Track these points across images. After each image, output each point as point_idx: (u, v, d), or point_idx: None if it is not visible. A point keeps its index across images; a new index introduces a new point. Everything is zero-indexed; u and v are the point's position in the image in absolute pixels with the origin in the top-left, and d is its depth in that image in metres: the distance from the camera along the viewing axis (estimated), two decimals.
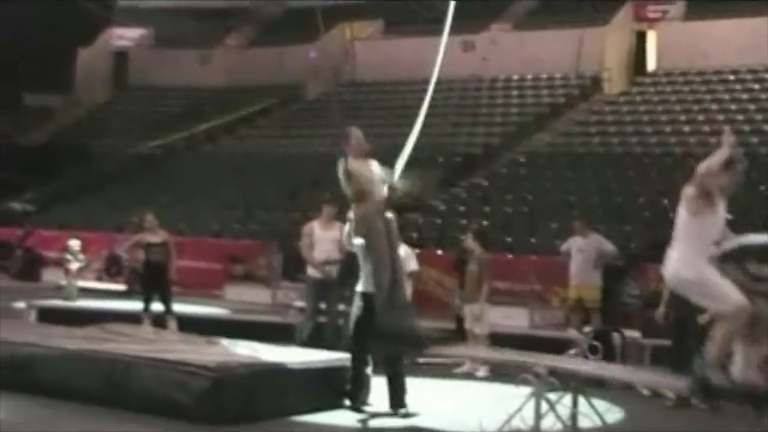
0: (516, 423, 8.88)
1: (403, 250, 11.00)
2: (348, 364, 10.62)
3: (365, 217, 10.06)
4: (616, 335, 13.60)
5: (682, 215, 7.51)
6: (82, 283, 21.72)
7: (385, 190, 10.32)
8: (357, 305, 10.37)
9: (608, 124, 28.52)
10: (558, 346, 13.21)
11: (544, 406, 8.87)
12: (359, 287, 10.36)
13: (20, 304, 18.02)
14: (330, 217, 13.50)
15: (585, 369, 9.46)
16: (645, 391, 12.20)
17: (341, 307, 13.20)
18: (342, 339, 12.86)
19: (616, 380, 10.07)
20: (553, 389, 9.03)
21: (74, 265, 20.84)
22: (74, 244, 21.06)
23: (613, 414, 9.27)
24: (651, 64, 31.71)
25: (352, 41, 33.64)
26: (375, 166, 10.44)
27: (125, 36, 40.89)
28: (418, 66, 33.54)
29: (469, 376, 13.32)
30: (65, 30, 36.98)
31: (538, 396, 8.80)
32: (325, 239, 13.26)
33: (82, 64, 39.94)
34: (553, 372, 8.91)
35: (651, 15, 32.11)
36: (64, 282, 21.31)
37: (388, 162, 10.52)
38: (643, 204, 22.94)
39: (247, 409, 9.63)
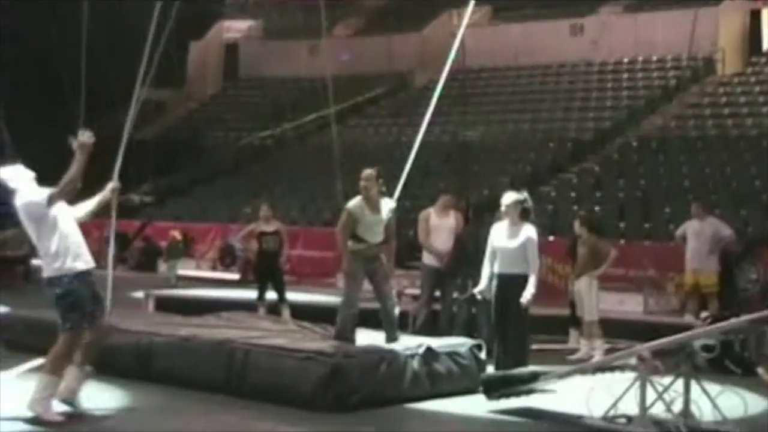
0: (629, 407, 8.80)
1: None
2: (463, 349, 10.70)
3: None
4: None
5: None
6: (195, 273, 22.72)
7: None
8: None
9: (722, 106, 27.98)
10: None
11: (653, 392, 8.77)
12: (496, 269, 10.89)
13: (138, 294, 18.39)
14: (446, 206, 13.57)
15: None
16: (767, 378, 11.96)
17: (455, 294, 13.23)
18: (456, 326, 12.92)
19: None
20: (658, 373, 8.91)
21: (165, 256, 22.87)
22: (175, 234, 22.61)
23: (726, 400, 9.07)
24: (766, 44, 30.99)
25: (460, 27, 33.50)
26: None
27: (235, 28, 41.38)
28: (526, 51, 33.51)
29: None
30: (177, 24, 37.53)
31: (642, 380, 8.71)
32: (441, 228, 13.35)
33: (194, 58, 40.56)
34: (658, 354, 8.83)
35: None
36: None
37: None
38: (760, 187, 22.47)
39: (365, 396, 9.68)
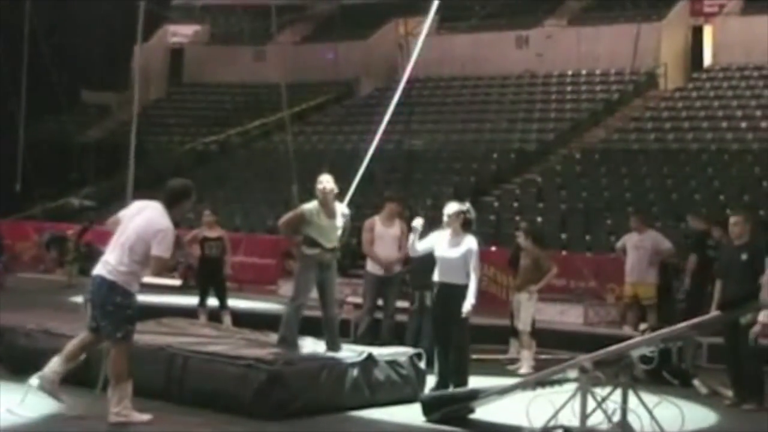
0: (568, 418, 8.84)
1: None
2: (403, 358, 10.74)
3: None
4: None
5: None
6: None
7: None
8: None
9: (664, 120, 28.31)
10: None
11: (592, 402, 8.82)
12: (436, 278, 10.88)
13: (78, 299, 18.19)
14: (392, 214, 13.51)
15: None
16: (703, 390, 12.12)
17: (407, 304, 13.27)
18: (407, 335, 12.95)
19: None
20: (599, 384, 8.97)
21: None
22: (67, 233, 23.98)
23: (664, 411, 9.16)
24: (707, 60, 31.44)
25: (406, 37, 33.61)
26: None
27: (180, 33, 41.15)
28: (472, 62, 33.66)
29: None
30: (121, 27, 37.31)
31: (583, 390, 8.77)
32: (386, 236, 13.30)
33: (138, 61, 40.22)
34: (599, 364, 8.89)
35: (707, 10, 31.82)
36: None
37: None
38: (700, 201, 22.74)
39: (305, 403, 9.67)
